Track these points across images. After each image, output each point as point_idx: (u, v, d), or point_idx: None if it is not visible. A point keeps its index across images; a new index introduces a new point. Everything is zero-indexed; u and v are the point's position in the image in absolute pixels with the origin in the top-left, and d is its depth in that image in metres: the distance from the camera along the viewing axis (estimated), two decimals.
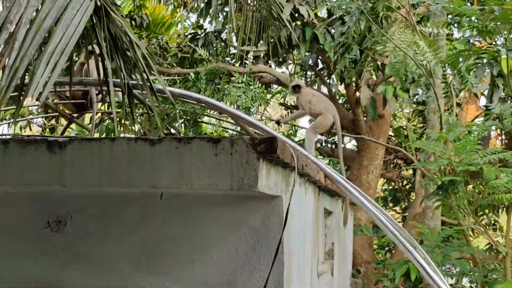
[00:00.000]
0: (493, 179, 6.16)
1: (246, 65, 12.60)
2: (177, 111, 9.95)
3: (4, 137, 6.16)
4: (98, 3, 3.83)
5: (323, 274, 5.43)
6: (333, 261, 6.13)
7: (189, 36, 12.00)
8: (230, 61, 13.22)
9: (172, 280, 3.81)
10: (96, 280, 3.94)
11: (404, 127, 14.67)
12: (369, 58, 10.29)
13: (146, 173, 3.49)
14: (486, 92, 9.68)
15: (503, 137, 8.31)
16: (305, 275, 4.59)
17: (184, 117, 13.21)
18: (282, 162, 3.66)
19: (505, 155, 6.21)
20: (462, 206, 6.79)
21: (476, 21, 6.19)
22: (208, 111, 11.91)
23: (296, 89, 6.76)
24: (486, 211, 7.32)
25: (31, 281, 4.03)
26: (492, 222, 14.00)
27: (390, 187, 16.21)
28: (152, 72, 4.98)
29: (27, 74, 3.46)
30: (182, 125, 14.86)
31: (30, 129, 14.06)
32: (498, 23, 6.01)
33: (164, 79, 11.65)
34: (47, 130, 15.32)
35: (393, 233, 4.85)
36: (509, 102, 6.99)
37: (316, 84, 14.35)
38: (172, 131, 12.41)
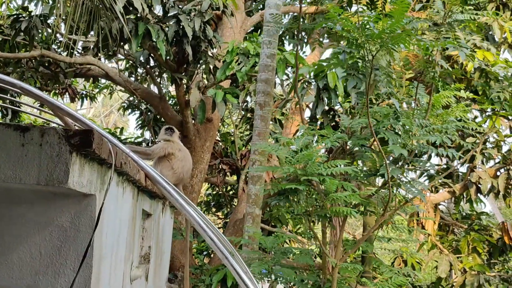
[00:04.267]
0: (334, 191, 6.28)
1: (74, 55, 12.01)
2: None
3: None
4: None
5: (136, 279, 5.18)
6: (148, 265, 5.89)
7: (12, 17, 11.12)
8: (56, 50, 12.52)
9: None
10: None
11: (231, 133, 14.81)
12: (202, 60, 10.22)
13: None
14: (311, 104, 10.00)
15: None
16: (116, 280, 4.30)
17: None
18: (99, 158, 3.38)
19: (347, 169, 6.36)
20: (298, 214, 6.87)
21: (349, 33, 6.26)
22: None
23: (168, 131, 6.59)
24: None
25: None
26: (306, 230, 14.52)
27: (214, 192, 16.28)
28: None
29: None
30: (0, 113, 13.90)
31: None
32: (370, 39, 6.12)
33: None
34: None
35: (211, 239, 4.73)
36: (358, 117, 7.21)
37: (147, 83, 14.07)
38: None
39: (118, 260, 4.34)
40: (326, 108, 9.22)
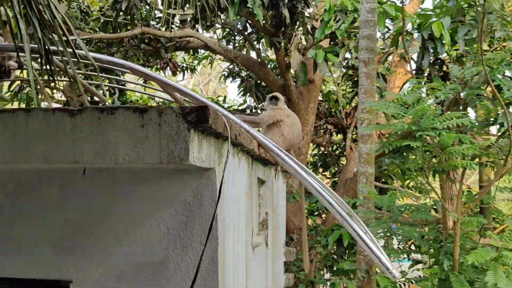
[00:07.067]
0: (450, 145, 6.07)
1: (172, 30, 12.22)
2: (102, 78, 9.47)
3: None
4: None
5: (258, 246, 5.26)
6: (267, 231, 5.98)
7: None
8: (155, 26, 12.78)
9: (99, 262, 3.54)
10: (15, 265, 3.62)
11: (334, 92, 14.64)
12: (299, 22, 10.11)
13: (66, 148, 3.19)
14: (415, 56, 9.69)
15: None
16: (239, 249, 4.39)
17: (108, 84, 12.76)
18: (215, 132, 3.42)
19: (463, 121, 6.11)
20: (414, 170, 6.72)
21: None
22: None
23: (273, 100, 6.62)
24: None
25: None
26: (419, 185, 14.21)
27: (320, 152, 16.23)
28: (73, 36, 4.64)
29: None
30: (107, 92, 14.41)
31: None
32: None
33: (86, 45, 11.13)
34: None
35: (329, 202, 4.73)
36: (468, 64, 6.89)
37: (245, 49, 14.11)
38: (96, 99, 11.95)
39: (240, 229, 4.42)
40: (432, 58, 8.90)
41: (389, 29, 11.03)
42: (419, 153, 6.37)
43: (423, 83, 6.96)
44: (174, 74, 15.76)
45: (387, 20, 10.50)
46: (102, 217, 3.57)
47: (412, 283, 6.94)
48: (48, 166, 3.39)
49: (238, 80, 15.16)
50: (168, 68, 15.28)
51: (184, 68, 16.46)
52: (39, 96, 10.79)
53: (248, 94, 14.75)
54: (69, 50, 4.46)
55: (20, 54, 5.06)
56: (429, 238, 6.97)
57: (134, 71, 5.40)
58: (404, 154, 6.38)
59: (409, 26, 8.95)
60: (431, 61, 8.94)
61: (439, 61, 9.14)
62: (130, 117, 3.15)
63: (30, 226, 3.64)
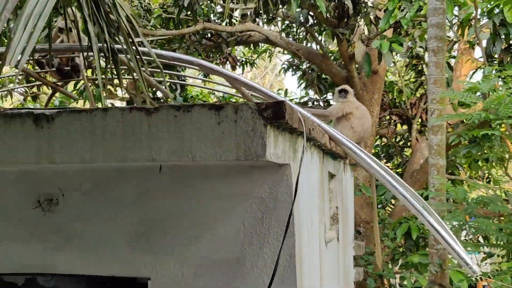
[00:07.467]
0: None
1: (233, 24, 12.25)
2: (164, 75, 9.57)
3: None
4: None
5: (330, 241, 5.19)
6: (338, 226, 5.90)
7: None
8: (216, 21, 12.83)
9: (176, 259, 3.55)
10: (92, 262, 3.67)
11: (396, 82, 14.41)
12: (362, 12, 9.96)
13: (143, 146, 3.19)
14: (484, 43, 9.40)
15: None
16: (313, 244, 4.34)
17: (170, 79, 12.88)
18: (290, 127, 3.37)
19: None
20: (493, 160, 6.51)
21: None
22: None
23: (342, 93, 6.58)
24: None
25: (20, 266, 3.77)
26: (486, 175, 13.87)
27: (383, 144, 16.02)
28: (139, 38, 4.68)
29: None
30: (168, 88, 14.55)
31: (11, 98, 13.74)
32: None
33: (148, 41, 11.26)
34: (29, 98, 14.93)
35: (403, 196, 4.63)
36: None
37: (305, 41, 14.03)
38: (159, 94, 12.11)
39: (314, 224, 4.36)
40: (504, 45, 8.62)
41: (457, 17, 10.74)
42: (497, 142, 6.17)
43: (496, 71, 6.72)
44: (233, 68, 15.81)
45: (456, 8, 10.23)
46: (178, 214, 3.57)
47: (489, 277, 6.74)
48: (125, 164, 3.40)
49: (299, 73, 15.06)
50: (228, 62, 15.33)
51: (243, 62, 16.50)
52: (104, 94, 10.96)
53: (309, 86, 14.64)
54: (133, 48, 4.50)
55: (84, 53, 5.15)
56: (507, 231, 6.74)
57: (203, 67, 5.42)
58: (481, 144, 6.18)
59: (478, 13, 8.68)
60: (503, 48, 8.67)
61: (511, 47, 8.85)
62: (206, 114, 3.13)
63: (108, 224, 3.68)
